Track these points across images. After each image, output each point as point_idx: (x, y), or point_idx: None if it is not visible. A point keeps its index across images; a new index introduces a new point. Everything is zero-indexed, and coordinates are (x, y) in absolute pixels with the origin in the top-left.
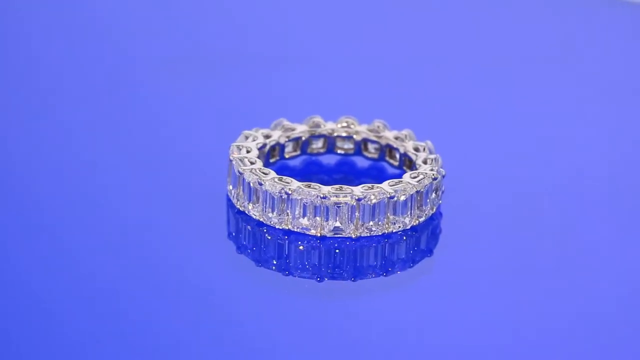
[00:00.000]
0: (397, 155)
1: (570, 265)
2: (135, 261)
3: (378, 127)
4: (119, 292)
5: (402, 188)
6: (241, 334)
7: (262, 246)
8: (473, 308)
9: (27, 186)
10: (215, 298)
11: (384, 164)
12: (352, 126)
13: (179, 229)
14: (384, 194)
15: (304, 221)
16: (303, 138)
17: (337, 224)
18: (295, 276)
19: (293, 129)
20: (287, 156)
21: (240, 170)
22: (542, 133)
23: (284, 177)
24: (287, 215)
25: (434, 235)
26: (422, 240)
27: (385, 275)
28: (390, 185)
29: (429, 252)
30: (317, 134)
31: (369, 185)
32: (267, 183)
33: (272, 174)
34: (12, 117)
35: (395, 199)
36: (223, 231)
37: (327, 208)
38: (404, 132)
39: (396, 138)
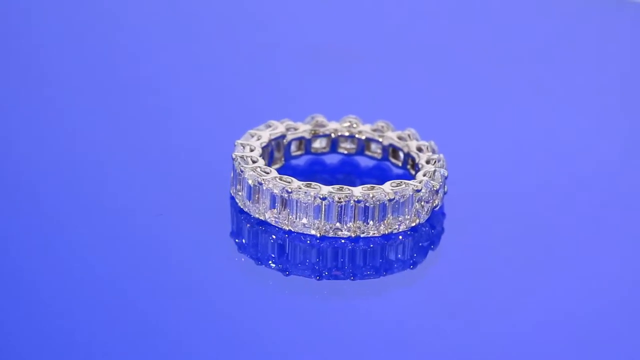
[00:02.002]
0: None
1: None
2: (135, 248)
3: (408, 135)
4: (118, 283)
5: (373, 194)
6: (209, 317)
7: (243, 233)
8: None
9: (30, 184)
10: (190, 276)
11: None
12: (383, 130)
13: (180, 204)
14: (351, 197)
15: (274, 213)
16: (333, 136)
17: (305, 220)
18: (264, 266)
19: (323, 126)
20: (314, 151)
21: (233, 157)
22: (544, 135)
23: (266, 168)
24: (263, 205)
25: (410, 247)
26: (394, 249)
27: (352, 279)
28: (363, 190)
29: (405, 262)
30: (350, 133)
31: (340, 186)
32: (247, 171)
33: (260, 163)
34: (14, 116)
35: (363, 204)
36: (218, 215)
37: (294, 202)
38: (426, 143)
39: (418, 149)
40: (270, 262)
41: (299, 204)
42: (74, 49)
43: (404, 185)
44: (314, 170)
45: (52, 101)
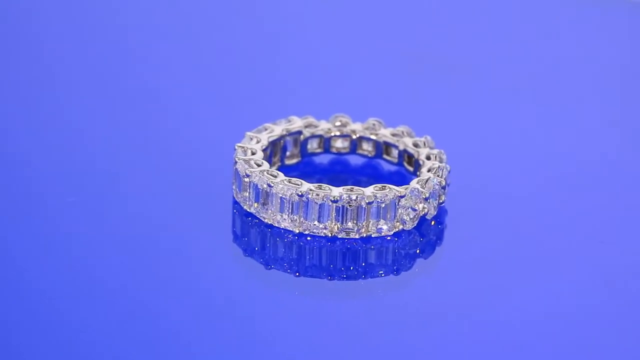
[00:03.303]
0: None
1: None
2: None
3: (424, 142)
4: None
5: (350, 196)
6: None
7: (236, 225)
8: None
9: (32, 187)
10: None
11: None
12: (402, 135)
13: (185, 194)
14: (327, 196)
15: (257, 205)
16: (353, 137)
17: (285, 216)
18: (248, 256)
19: (345, 126)
20: (336, 151)
21: (235, 147)
22: (544, 137)
23: (257, 160)
24: (250, 197)
25: (392, 252)
26: (375, 253)
27: (329, 279)
28: (342, 190)
29: (387, 267)
30: (369, 136)
31: (319, 184)
32: (239, 162)
33: (257, 155)
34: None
35: (341, 204)
36: (215, 207)
37: (275, 197)
38: (435, 151)
39: (427, 157)
40: (255, 255)
41: (279, 199)
42: (76, 48)
43: (387, 190)
44: (335, 170)
45: (53, 102)
